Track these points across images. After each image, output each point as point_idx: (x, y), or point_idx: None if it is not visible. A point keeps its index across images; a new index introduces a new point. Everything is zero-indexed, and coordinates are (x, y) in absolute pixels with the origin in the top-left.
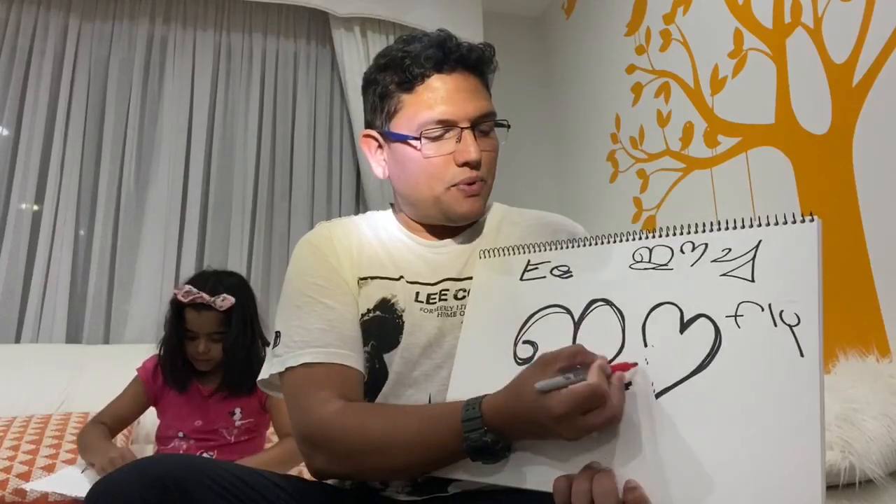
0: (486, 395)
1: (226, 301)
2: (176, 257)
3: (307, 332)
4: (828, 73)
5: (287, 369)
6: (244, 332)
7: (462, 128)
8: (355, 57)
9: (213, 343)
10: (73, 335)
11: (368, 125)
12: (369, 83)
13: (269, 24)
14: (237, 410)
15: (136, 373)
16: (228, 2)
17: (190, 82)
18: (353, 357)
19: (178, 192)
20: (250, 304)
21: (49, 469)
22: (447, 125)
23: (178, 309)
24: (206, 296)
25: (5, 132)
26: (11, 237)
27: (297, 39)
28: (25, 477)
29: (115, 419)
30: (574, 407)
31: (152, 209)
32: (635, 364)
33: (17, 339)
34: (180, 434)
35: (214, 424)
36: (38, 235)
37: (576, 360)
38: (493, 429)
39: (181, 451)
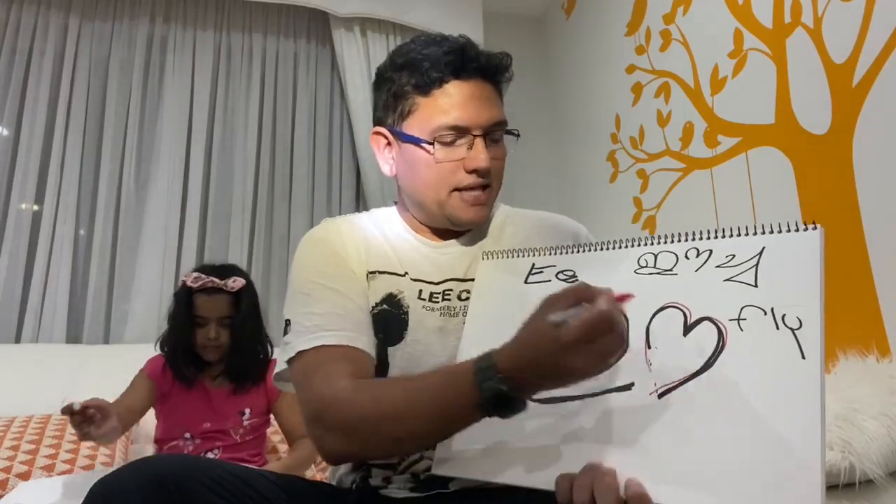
0: (496, 348)
1: (237, 282)
2: (176, 257)
3: (318, 317)
4: (828, 73)
5: (297, 353)
6: (252, 315)
7: (475, 135)
8: (355, 57)
9: (222, 329)
10: (73, 335)
11: (379, 121)
12: (384, 80)
13: (269, 24)
14: (247, 410)
15: (141, 370)
16: (228, 2)
17: (190, 82)
18: (365, 342)
19: (178, 192)
20: (257, 305)
21: (49, 469)
22: (460, 132)
23: (187, 296)
24: (216, 279)
25: (5, 132)
26: (11, 237)
27: (297, 39)
28: (25, 477)
29: (127, 410)
30: (585, 333)
31: (152, 209)
32: (631, 295)
33: (17, 339)
34: (186, 435)
35: (223, 425)
36: (38, 235)
37: (581, 295)
38: (508, 376)
39: (186, 452)
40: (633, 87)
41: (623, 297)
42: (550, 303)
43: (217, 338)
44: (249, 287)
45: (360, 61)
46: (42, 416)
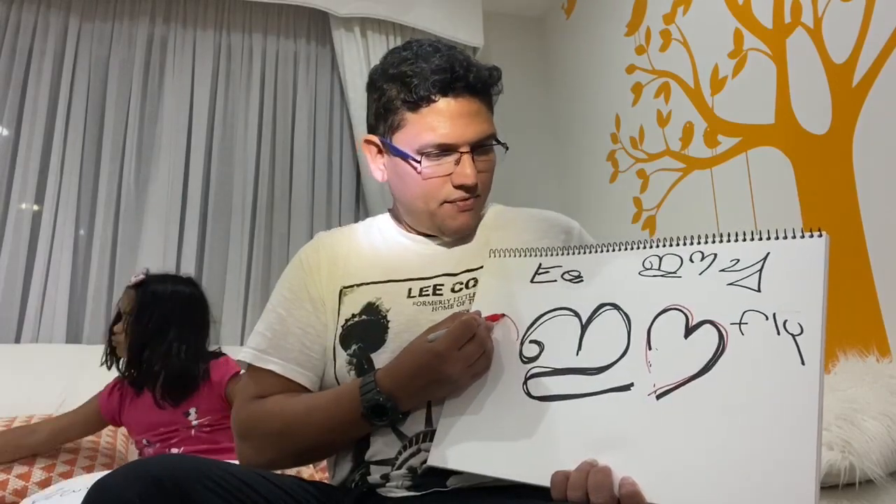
0: (380, 367)
1: (137, 278)
2: (176, 257)
3: (265, 341)
4: (828, 73)
5: (238, 362)
6: (145, 317)
7: (462, 152)
8: (355, 57)
9: (127, 325)
10: (73, 335)
11: (371, 129)
12: (374, 88)
13: (269, 24)
14: (191, 411)
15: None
16: (228, 2)
17: (190, 82)
18: (296, 371)
19: (178, 192)
20: (175, 304)
21: (49, 469)
22: (447, 148)
23: None
24: (136, 277)
25: (5, 132)
26: (11, 237)
27: (297, 39)
28: (26, 477)
29: (56, 430)
30: (451, 341)
31: (152, 209)
32: (503, 315)
33: (17, 339)
34: (144, 441)
35: (173, 426)
36: (38, 235)
37: (456, 318)
38: (385, 389)
39: (149, 454)
40: (633, 87)
41: (494, 318)
42: (430, 328)
43: (120, 333)
44: (153, 292)
45: (360, 61)
46: (42, 416)
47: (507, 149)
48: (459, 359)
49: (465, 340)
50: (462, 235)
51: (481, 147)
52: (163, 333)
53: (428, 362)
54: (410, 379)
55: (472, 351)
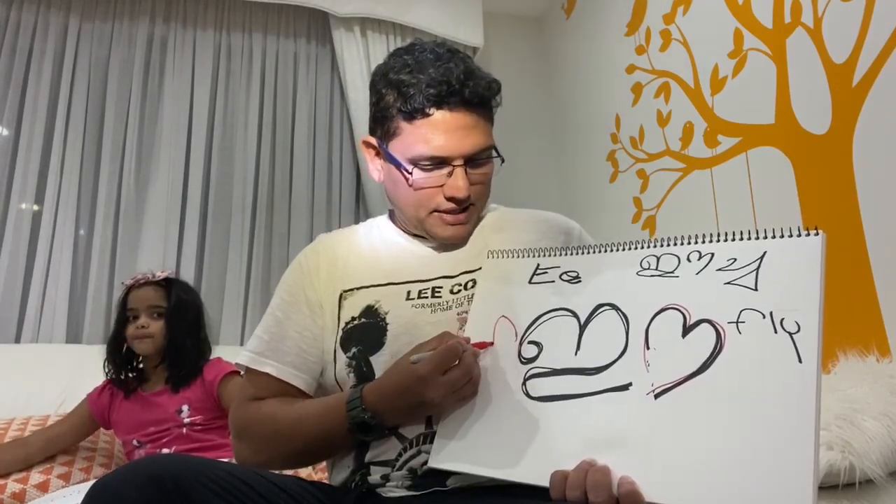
0: (368, 383)
1: (164, 272)
2: (176, 257)
3: (263, 343)
4: (828, 73)
5: (236, 364)
6: (185, 308)
7: (455, 165)
8: (355, 57)
9: (152, 319)
10: (73, 335)
11: (371, 130)
12: (374, 91)
13: (269, 24)
14: (184, 408)
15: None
16: (228, 2)
17: (190, 82)
18: (292, 374)
19: (178, 192)
20: (194, 301)
21: (47, 473)
22: (440, 161)
23: (124, 296)
24: (147, 275)
25: (5, 132)
26: (11, 237)
27: (297, 39)
28: (23, 481)
29: (47, 440)
30: (434, 366)
31: (152, 209)
32: (491, 343)
33: (17, 339)
34: (135, 442)
35: (165, 424)
36: (38, 235)
37: (443, 340)
38: (371, 407)
39: (140, 456)
40: (633, 87)
41: (482, 345)
42: (418, 346)
43: (146, 327)
44: (182, 284)
45: (360, 61)
46: (41, 416)
47: (503, 161)
48: (442, 384)
49: (449, 366)
50: (452, 243)
51: (476, 159)
52: (198, 331)
53: (411, 385)
54: (395, 398)
55: (456, 377)
